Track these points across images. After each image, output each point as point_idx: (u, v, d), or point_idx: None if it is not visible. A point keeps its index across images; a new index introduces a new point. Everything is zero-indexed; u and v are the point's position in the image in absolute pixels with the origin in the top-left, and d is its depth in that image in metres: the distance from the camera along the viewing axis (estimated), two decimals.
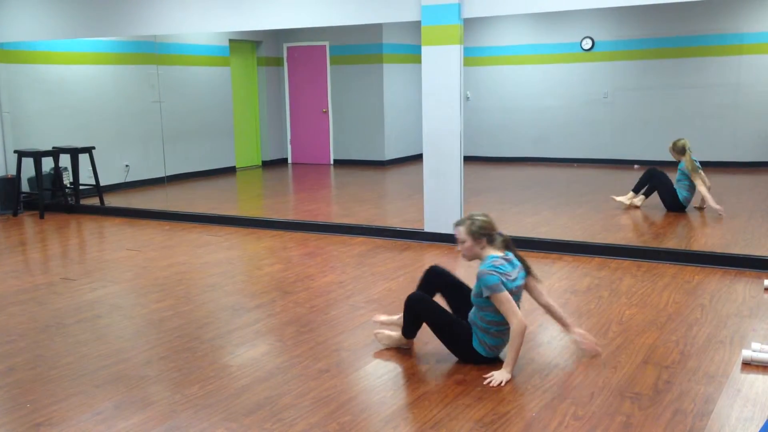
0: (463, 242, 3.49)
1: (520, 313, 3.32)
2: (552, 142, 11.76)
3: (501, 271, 3.37)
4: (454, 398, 3.16)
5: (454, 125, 6.07)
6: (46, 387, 3.36)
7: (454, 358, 3.60)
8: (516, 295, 3.43)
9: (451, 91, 6.04)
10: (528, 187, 9.25)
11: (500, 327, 3.42)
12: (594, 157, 11.49)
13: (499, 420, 2.95)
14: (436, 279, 3.76)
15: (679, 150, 7.43)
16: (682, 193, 7.29)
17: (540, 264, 5.48)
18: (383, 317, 3.95)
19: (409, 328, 3.64)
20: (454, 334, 3.50)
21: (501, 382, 3.27)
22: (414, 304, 3.57)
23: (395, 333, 3.75)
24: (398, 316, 3.80)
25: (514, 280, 3.42)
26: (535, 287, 3.59)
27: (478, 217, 3.48)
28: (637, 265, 5.35)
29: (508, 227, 6.66)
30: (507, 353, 3.37)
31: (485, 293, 3.34)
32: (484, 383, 3.28)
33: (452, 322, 3.51)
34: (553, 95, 11.66)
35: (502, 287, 3.31)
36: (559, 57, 11.55)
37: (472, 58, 11.89)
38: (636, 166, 11.01)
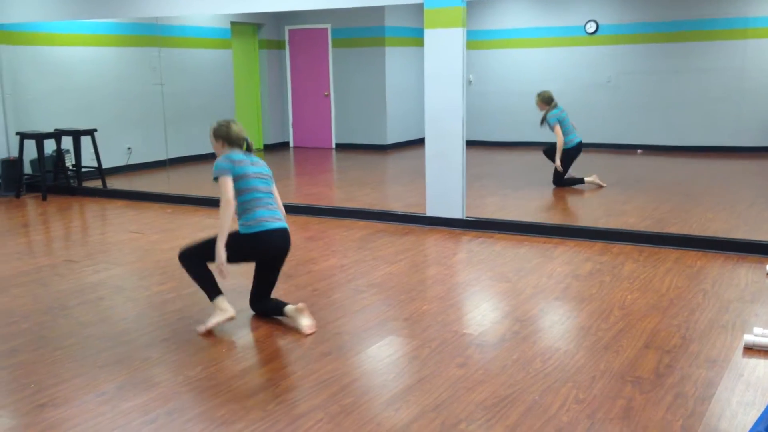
0: (212, 143, 3.98)
1: (230, 196, 3.67)
2: None
3: (233, 158, 3.81)
4: (455, 381, 3.17)
5: (456, 109, 6.05)
6: (49, 368, 3.38)
7: (456, 343, 3.61)
8: (259, 180, 3.85)
9: (453, 75, 6.01)
10: (530, 171, 9.23)
11: (245, 204, 3.77)
12: (597, 141, 11.45)
13: (501, 403, 2.97)
14: (196, 256, 3.90)
15: (546, 100, 7.84)
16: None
17: (542, 249, 5.48)
18: (206, 327, 3.85)
19: (205, 284, 3.84)
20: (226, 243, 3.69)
21: (222, 263, 3.61)
22: (184, 258, 3.85)
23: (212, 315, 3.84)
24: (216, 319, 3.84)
25: (252, 165, 3.86)
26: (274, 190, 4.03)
27: (222, 123, 3.95)
28: (639, 250, 5.35)
29: (511, 212, 6.67)
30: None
31: (214, 174, 3.78)
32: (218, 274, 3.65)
33: (213, 239, 3.73)
34: (556, 79, 11.58)
35: (227, 173, 3.73)
36: (562, 40, 11.48)
37: (475, 41, 11.82)
38: (639, 151, 10.99)
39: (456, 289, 4.62)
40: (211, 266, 3.81)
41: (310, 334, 3.76)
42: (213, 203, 7.32)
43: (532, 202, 7.12)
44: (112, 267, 5.13)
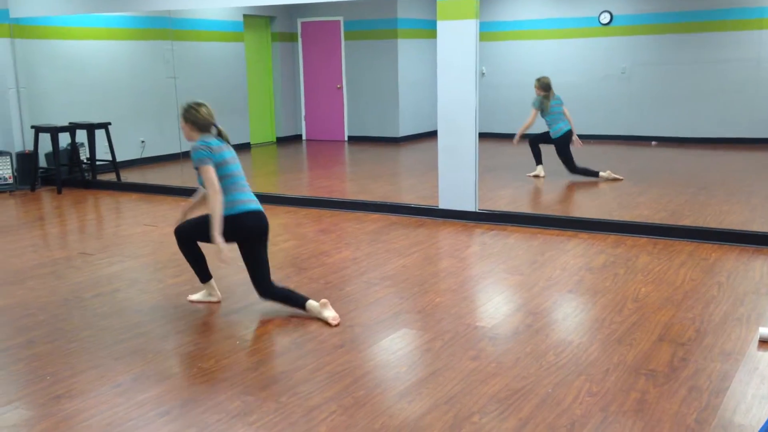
0: (181, 125, 3.99)
1: (217, 185, 3.77)
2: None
3: (209, 145, 3.85)
4: (468, 374, 3.17)
5: (469, 101, 6.02)
6: (65, 360, 3.42)
7: (469, 335, 3.61)
8: (235, 165, 3.93)
9: (466, 67, 5.98)
10: (544, 164, 9.18)
11: (224, 189, 3.83)
12: (611, 133, 11.38)
13: (514, 396, 2.96)
14: (187, 235, 4.07)
15: (544, 86, 8.04)
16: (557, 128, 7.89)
17: (555, 241, 5.46)
18: (192, 299, 4.24)
19: (197, 267, 4.10)
20: (209, 222, 3.81)
21: (221, 250, 3.71)
22: (180, 238, 4.05)
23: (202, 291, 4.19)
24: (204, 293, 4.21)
25: (227, 149, 3.94)
26: None
27: (192, 106, 3.95)
28: (653, 243, 5.32)
29: (523, 204, 6.65)
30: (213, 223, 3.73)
31: (194, 165, 3.84)
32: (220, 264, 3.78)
33: (205, 218, 3.86)
34: (570, 71, 11.51)
35: (208, 162, 3.80)
36: (576, 32, 11.39)
37: (488, 33, 11.75)
38: (654, 143, 10.90)
39: (469, 282, 4.62)
40: (204, 247, 4.03)
41: (336, 325, 3.79)
42: None
43: (545, 195, 7.09)
44: (126, 259, 5.17)
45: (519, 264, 4.88)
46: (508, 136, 11.85)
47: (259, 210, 3.98)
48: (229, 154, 3.95)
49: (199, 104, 3.96)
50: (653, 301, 4.07)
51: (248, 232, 3.92)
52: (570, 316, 3.93)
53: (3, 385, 3.17)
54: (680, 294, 4.19)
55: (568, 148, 7.88)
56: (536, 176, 8.07)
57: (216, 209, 3.75)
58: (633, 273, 4.62)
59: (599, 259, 4.97)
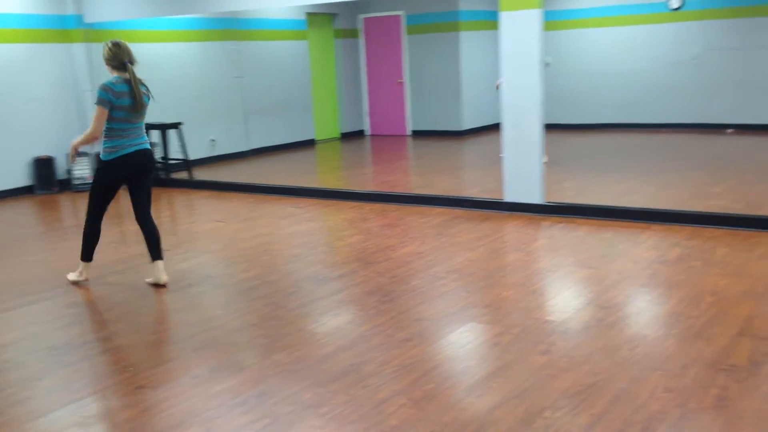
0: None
1: (99, 129, 4.22)
2: (638, 107, 11.32)
3: (114, 89, 4.20)
4: (538, 369, 3.14)
5: (534, 93, 5.94)
6: (145, 351, 3.56)
7: (538, 329, 3.57)
8: (131, 112, 4.28)
9: (530, 58, 5.89)
10: (613, 154, 8.97)
11: (111, 132, 4.26)
12: (683, 121, 11.01)
13: (586, 391, 2.92)
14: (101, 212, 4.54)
15: None
16: None
17: (627, 234, 5.33)
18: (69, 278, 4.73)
19: (84, 244, 4.56)
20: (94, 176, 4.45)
21: (73, 147, 4.38)
22: (86, 220, 4.53)
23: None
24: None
25: (127, 97, 4.24)
26: None
27: (106, 44, 4.33)
28: (731, 234, 5.12)
29: (592, 196, 6.51)
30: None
31: (95, 101, 4.18)
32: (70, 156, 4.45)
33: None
34: (638, 58, 11.19)
35: (105, 104, 4.17)
36: (644, 18, 11.06)
37: (552, 21, 11.54)
38: (729, 131, 10.49)
39: (537, 276, 4.56)
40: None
41: (163, 286, 4.45)
42: (291, 192, 7.48)
43: (615, 186, 6.92)
44: (199, 255, 5.34)
45: (589, 257, 4.79)
46: (575, 127, 11.66)
47: (136, 151, 4.36)
48: (126, 102, 4.25)
49: (115, 43, 4.33)
50: (732, 295, 3.92)
51: (127, 171, 4.38)
52: (644, 311, 3.83)
53: (88, 376, 3.32)
54: (761, 287, 4.02)
55: None
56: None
57: (84, 140, 4.34)
58: (710, 266, 4.46)
59: (674, 251, 4.82)
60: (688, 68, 10.85)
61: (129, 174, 4.41)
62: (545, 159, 7.82)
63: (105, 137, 4.30)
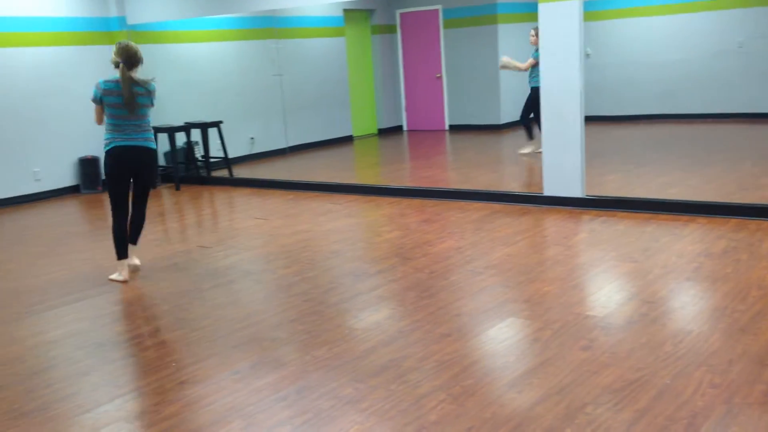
0: None
1: (96, 119, 4.64)
2: (680, 97, 11.06)
3: (101, 87, 4.50)
4: (579, 364, 3.10)
5: (573, 85, 5.85)
6: (188, 347, 3.63)
7: (579, 325, 3.53)
8: (120, 109, 4.52)
9: (570, 49, 5.81)
10: (654, 146, 8.79)
11: (107, 126, 4.57)
12: (727, 111, 10.71)
13: (629, 387, 2.87)
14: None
15: None
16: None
17: (670, 227, 5.22)
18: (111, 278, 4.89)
19: (116, 244, 4.74)
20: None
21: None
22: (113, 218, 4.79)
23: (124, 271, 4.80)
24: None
25: (114, 96, 4.50)
26: None
27: (116, 45, 4.58)
28: None
29: (634, 189, 6.39)
30: None
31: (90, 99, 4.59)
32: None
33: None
34: (680, 47, 10.93)
35: (93, 99, 4.55)
36: (686, 6, 10.79)
37: (592, 12, 11.35)
38: None
39: (578, 270, 4.50)
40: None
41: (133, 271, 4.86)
42: (330, 189, 7.52)
43: (657, 178, 6.79)
44: (240, 252, 5.41)
45: (631, 251, 4.71)
46: (616, 119, 11.45)
47: (129, 146, 4.58)
48: (115, 99, 4.50)
49: (118, 44, 4.58)
50: None
51: (125, 164, 4.62)
52: (688, 305, 3.75)
53: (133, 372, 3.41)
54: None
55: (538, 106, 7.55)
56: (530, 153, 8.26)
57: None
58: (757, 259, 4.34)
59: (719, 244, 4.71)
60: (732, 56, 10.55)
61: (129, 166, 4.65)
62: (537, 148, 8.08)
63: (105, 130, 4.66)
